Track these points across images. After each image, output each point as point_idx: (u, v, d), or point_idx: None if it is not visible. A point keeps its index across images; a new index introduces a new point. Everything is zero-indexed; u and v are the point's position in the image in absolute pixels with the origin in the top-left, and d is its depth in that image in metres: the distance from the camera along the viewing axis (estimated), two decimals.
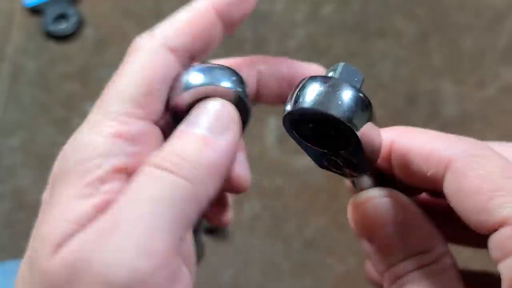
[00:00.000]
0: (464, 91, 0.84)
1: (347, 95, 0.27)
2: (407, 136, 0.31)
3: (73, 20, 0.91)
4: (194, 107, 0.29)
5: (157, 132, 0.30)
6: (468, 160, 0.28)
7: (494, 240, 0.26)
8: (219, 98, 0.30)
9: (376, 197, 0.30)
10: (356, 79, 0.28)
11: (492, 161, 0.28)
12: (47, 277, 0.24)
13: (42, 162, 0.84)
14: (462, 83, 0.84)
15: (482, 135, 0.88)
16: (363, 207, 0.30)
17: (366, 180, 0.31)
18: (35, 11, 0.93)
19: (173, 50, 0.31)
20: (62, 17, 0.92)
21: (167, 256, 0.23)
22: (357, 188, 0.31)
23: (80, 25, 0.91)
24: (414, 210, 0.30)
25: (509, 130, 0.82)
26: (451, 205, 0.28)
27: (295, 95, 0.27)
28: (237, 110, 0.30)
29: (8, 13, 0.93)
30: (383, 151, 0.31)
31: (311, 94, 0.26)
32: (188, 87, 0.30)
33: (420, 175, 0.29)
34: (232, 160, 0.30)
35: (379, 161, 0.31)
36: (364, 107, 0.27)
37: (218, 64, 0.31)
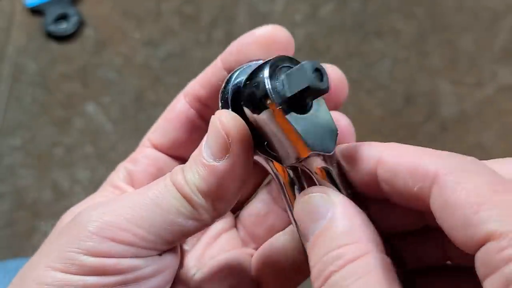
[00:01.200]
0: (461, 91, 0.85)
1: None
2: (393, 152, 0.30)
3: (73, 20, 0.92)
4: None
5: (158, 156, 0.40)
6: (455, 174, 0.27)
7: (480, 257, 0.25)
8: (225, 113, 0.32)
9: (309, 194, 0.30)
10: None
11: (479, 175, 0.27)
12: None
13: (42, 162, 0.84)
14: (460, 83, 0.85)
15: (479, 135, 0.89)
16: (298, 203, 0.31)
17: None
18: (35, 11, 0.93)
19: (185, 96, 0.40)
20: (62, 17, 0.92)
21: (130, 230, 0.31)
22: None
23: (80, 25, 0.92)
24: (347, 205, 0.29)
25: (506, 130, 0.82)
26: (438, 222, 0.27)
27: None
28: (243, 128, 0.31)
29: (9, 14, 0.94)
30: (369, 169, 0.30)
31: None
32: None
33: (407, 191, 0.29)
34: (234, 181, 0.31)
35: (365, 179, 0.30)
36: None
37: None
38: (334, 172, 0.31)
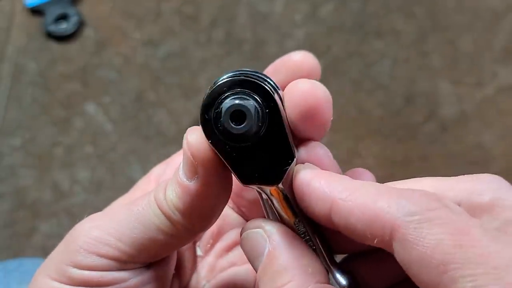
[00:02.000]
0: (461, 91, 0.85)
1: None
2: (346, 197, 0.28)
3: (73, 20, 0.92)
4: None
5: None
6: (414, 226, 0.25)
7: None
8: (192, 133, 0.30)
9: (249, 229, 0.31)
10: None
11: (441, 224, 0.25)
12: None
13: (43, 162, 0.84)
14: (460, 83, 0.85)
15: (479, 135, 0.89)
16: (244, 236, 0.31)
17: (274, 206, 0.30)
18: (35, 11, 0.93)
19: None
20: (62, 17, 0.92)
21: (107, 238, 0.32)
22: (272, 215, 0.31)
23: (80, 25, 0.92)
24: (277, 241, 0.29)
25: (506, 130, 0.82)
26: (406, 272, 0.26)
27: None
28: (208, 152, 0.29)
29: (9, 14, 0.94)
30: (323, 214, 0.29)
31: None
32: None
33: (366, 240, 0.27)
34: (208, 201, 0.31)
35: (320, 219, 0.29)
36: None
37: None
38: (289, 195, 0.30)
